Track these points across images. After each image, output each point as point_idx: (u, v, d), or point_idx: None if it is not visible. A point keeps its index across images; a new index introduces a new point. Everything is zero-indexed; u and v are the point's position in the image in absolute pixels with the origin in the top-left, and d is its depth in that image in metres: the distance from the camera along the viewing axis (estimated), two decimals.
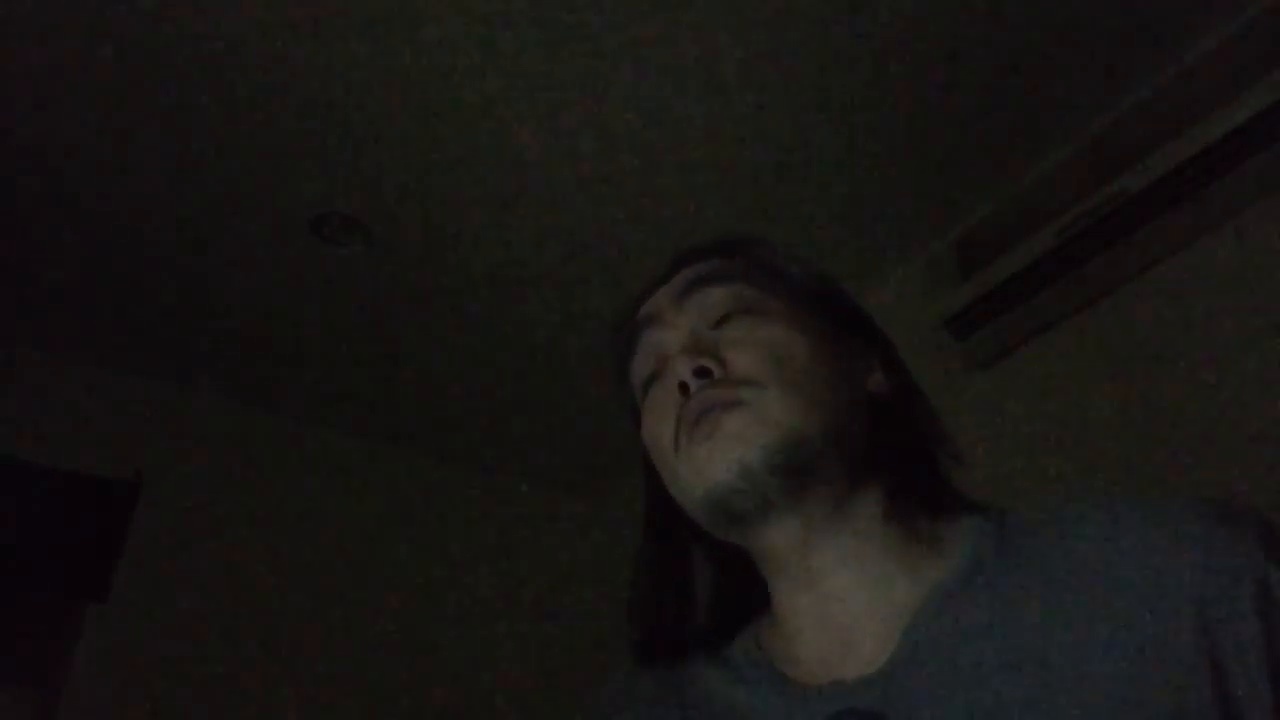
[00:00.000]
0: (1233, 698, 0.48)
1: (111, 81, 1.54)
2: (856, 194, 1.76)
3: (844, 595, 0.61)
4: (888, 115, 1.61)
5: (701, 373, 0.62)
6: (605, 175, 1.72)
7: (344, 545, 2.31)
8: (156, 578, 2.04)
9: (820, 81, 1.55)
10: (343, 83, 1.55)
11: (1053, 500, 0.62)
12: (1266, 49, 1.33)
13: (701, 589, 0.70)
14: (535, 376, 2.24)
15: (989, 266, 1.62)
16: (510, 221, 1.83)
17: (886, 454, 0.64)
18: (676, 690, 0.67)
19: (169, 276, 1.94)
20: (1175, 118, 1.41)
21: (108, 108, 1.59)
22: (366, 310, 2.05)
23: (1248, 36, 1.37)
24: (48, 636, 1.96)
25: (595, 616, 2.44)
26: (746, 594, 0.69)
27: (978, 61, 1.52)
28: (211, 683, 2.02)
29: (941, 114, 1.61)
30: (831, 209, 1.79)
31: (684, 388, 0.63)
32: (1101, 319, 1.55)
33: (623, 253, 1.89)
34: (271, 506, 2.26)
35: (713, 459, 0.60)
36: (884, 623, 0.59)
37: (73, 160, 1.69)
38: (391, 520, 2.40)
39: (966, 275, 1.67)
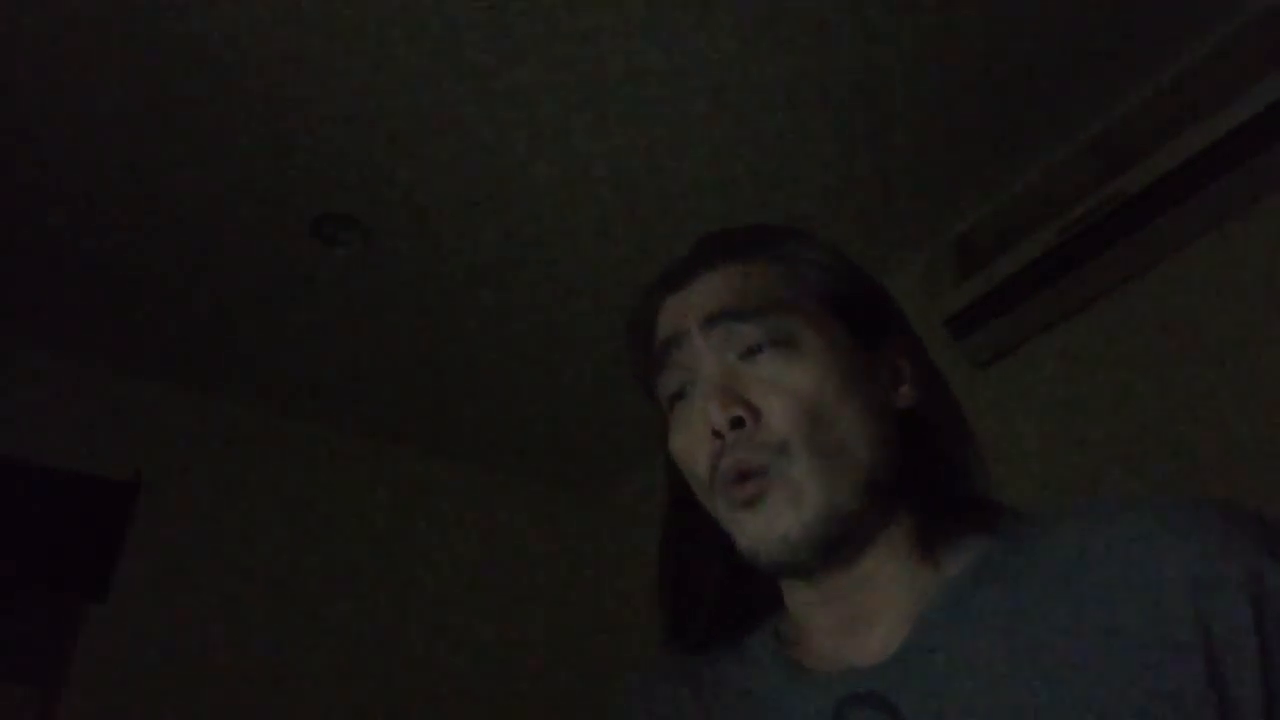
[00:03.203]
0: (1227, 685, 0.50)
1: (112, 82, 1.54)
2: (856, 194, 1.76)
3: (866, 605, 0.64)
4: (888, 115, 1.61)
5: (736, 423, 0.63)
6: (605, 175, 1.72)
7: (344, 545, 2.31)
8: (156, 578, 2.04)
9: (820, 82, 1.55)
10: (343, 83, 1.55)
11: (1060, 501, 0.64)
12: (1266, 49, 1.33)
13: (720, 574, 0.72)
14: (535, 376, 2.24)
15: (989, 266, 1.62)
16: (510, 221, 1.83)
17: (914, 469, 0.65)
18: (694, 683, 0.70)
19: (169, 276, 1.94)
20: (1175, 118, 1.41)
21: (108, 108, 1.59)
22: (367, 310, 2.05)
23: (1248, 36, 1.37)
24: (48, 636, 1.96)
25: (595, 616, 2.44)
26: (762, 589, 0.71)
27: (978, 61, 1.52)
28: (211, 683, 2.02)
29: (942, 114, 1.61)
30: (831, 209, 1.79)
31: (717, 434, 0.64)
32: (1101, 319, 1.55)
33: (623, 253, 1.89)
34: (271, 506, 2.26)
35: (755, 530, 0.62)
36: (898, 614, 0.62)
37: (73, 160, 1.69)
38: (391, 520, 2.40)
39: (966, 275, 1.66)
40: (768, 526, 0.61)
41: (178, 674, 1.99)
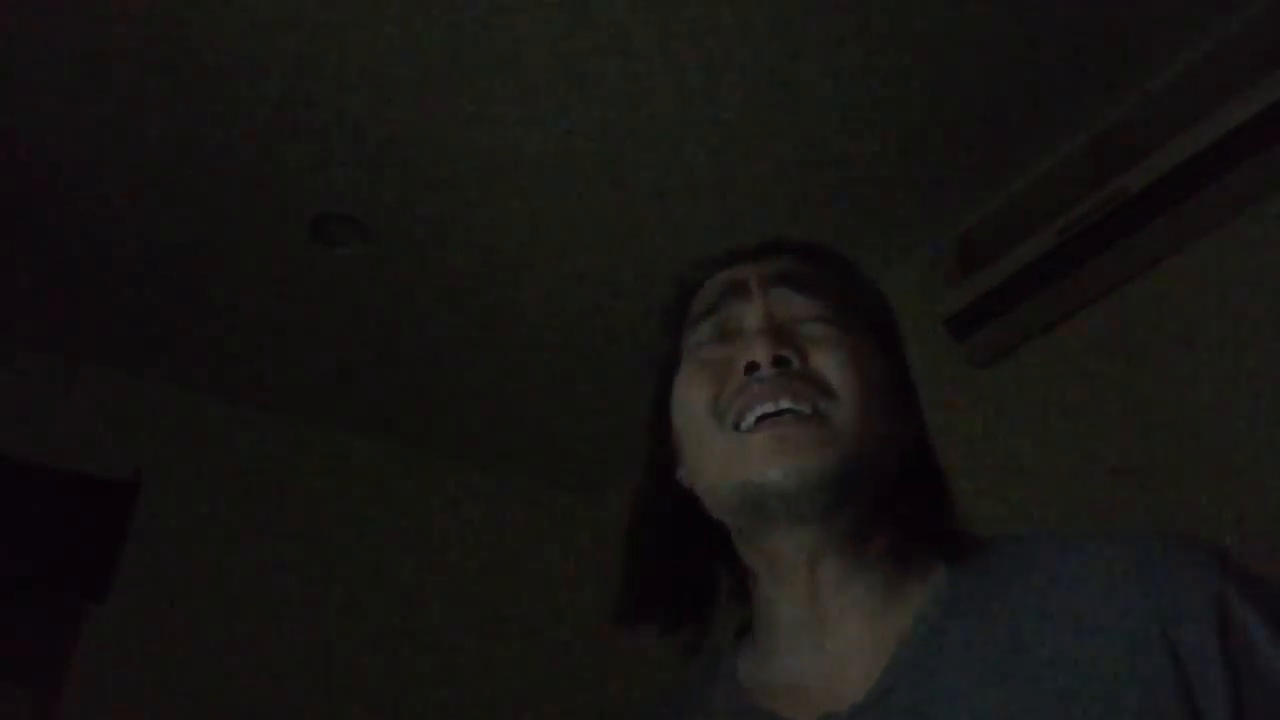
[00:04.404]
0: (1198, 708, 0.51)
1: (112, 81, 1.54)
2: (856, 194, 1.76)
3: (840, 618, 0.62)
4: (888, 115, 1.61)
5: (780, 361, 0.61)
6: (605, 176, 1.72)
7: (344, 545, 2.31)
8: (156, 578, 2.04)
9: (820, 82, 1.55)
10: (342, 83, 1.55)
11: (1026, 532, 0.65)
12: (1266, 49, 1.33)
13: (686, 557, 0.70)
14: (535, 376, 2.24)
15: (989, 266, 1.62)
16: (510, 221, 1.83)
17: (900, 498, 0.65)
18: None
19: (169, 276, 1.94)
20: (1175, 118, 1.41)
21: (108, 108, 1.59)
22: (366, 310, 2.05)
23: (1248, 36, 1.37)
24: (48, 636, 1.96)
25: (595, 616, 2.44)
26: (722, 580, 0.69)
27: (977, 61, 1.52)
28: (211, 683, 2.02)
29: (942, 114, 1.61)
30: (831, 209, 1.79)
31: (754, 366, 0.61)
32: (1101, 319, 1.55)
33: (623, 253, 1.89)
34: (271, 506, 2.26)
35: (769, 457, 0.59)
36: (873, 650, 0.60)
37: (73, 160, 1.69)
38: (391, 520, 2.40)
39: (966, 275, 1.66)
40: (783, 458, 0.58)
41: (178, 674, 1.99)
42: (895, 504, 0.64)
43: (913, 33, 1.47)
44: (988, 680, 0.55)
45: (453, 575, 2.40)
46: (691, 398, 0.64)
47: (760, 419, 0.60)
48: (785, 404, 0.60)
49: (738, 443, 0.61)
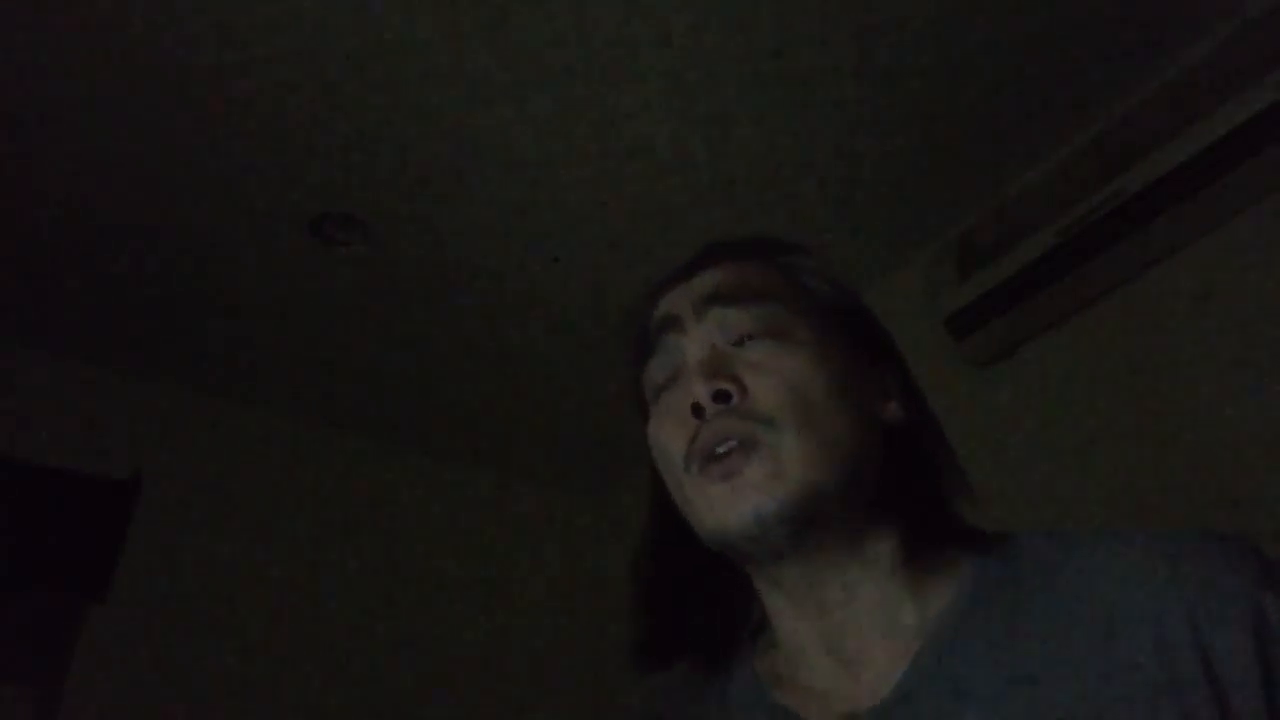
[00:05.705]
0: (1231, 716, 0.50)
1: (112, 81, 1.54)
2: (856, 194, 1.76)
3: (852, 623, 0.61)
4: (888, 115, 1.61)
5: (719, 396, 0.61)
6: (605, 176, 1.72)
7: (343, 545, 2.31)
8: (156, 578, 2.04)
9: (820, 82, 1.55)
10: (343, 83, 1.55)
11: (1053, 530, 0.63)
12: (1266, 49, 1.33)
13: (700, 591, 0.69)
14: (535, 376, 2.24)
15: (989, 266, 1.62)
16: (510, 221, 1.83)
17: (899, 486, 0.64)
18: None
19: (169, 276, 1.94)
20: (1175, 118, 1.41)
21: (108, 108, 1.59)
22: (366, 310, 2.05)
23: (1248, 36, 1.37)
24: (48, 636, 1.96)
25: (595, 616, 2.44)
26: (742, 605, 0.69)
27: (978, 61, 1.52)
28: (211, 682, 2.02)
29: (942, 114, 1.61)
30: (831, 209, 1.79)
31: (698, 409, 0.61)
32: (1101, 319, 1.55)
33: (623, 253, 1.89)
34: (271, 506, 2.26)
35: (728, 504, 0.59)
36: (891, 648, 0.60)
37: (73, 160, 1.69)
38: (391, 520, 2.40)
39: (966, 275, 1.66)
40: (742, 499, 0.59)
41: (178, 674, 1.99)
42: (894, 498, 0.63)
43: (913, 33, 1.47)
44: (1013, 682, 0.54)
45: (453, 575, 2.40)
46: (665, 448, 0.65)
47: (714, 457, 0.61)
48: (733, 444, 0.60)
49: (700, 492, 0.61)
